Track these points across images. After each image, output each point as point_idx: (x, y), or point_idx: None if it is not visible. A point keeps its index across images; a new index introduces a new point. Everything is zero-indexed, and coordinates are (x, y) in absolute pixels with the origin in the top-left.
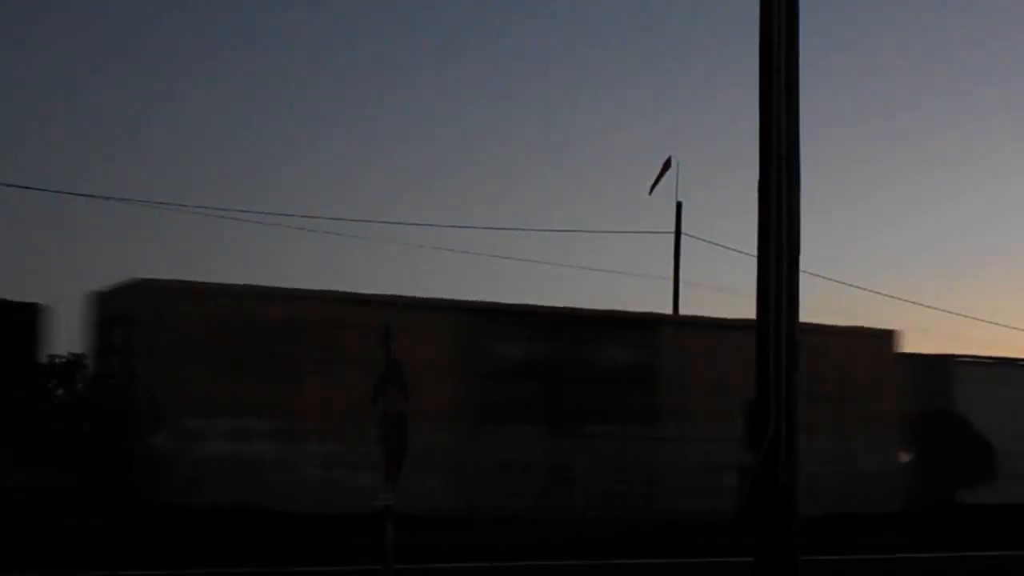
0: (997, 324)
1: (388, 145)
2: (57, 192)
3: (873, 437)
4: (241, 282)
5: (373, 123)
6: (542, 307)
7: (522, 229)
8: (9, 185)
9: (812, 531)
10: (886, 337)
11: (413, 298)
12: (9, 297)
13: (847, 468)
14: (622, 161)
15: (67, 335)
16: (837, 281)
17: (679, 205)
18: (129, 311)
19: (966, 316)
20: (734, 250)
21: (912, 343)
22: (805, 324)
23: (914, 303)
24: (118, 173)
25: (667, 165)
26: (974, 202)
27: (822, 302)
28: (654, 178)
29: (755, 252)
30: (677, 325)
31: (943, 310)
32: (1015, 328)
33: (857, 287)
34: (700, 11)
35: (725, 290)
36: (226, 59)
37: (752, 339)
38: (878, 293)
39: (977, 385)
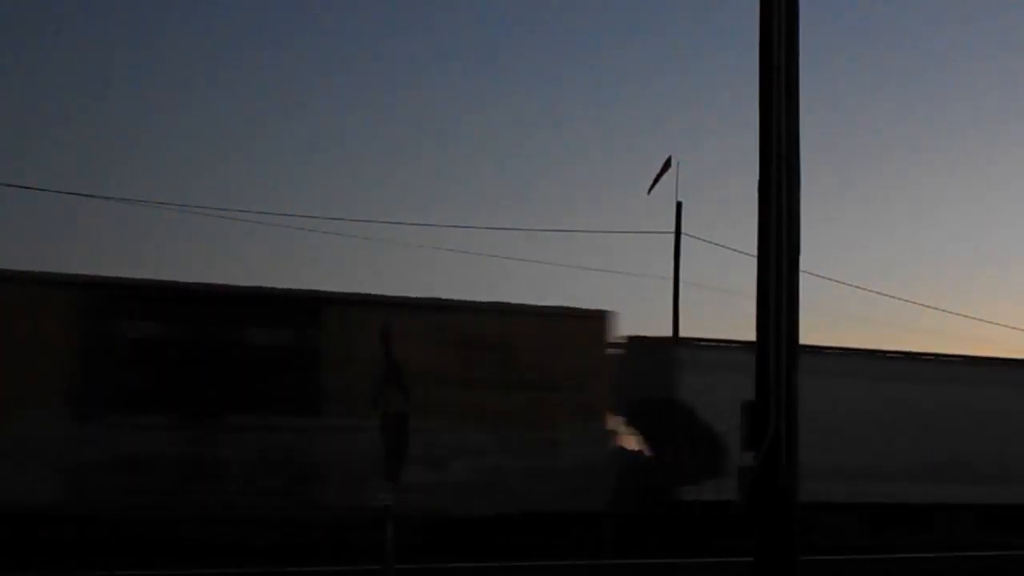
0: (997, 324)
1: (389, 146)
2: (57, 192)
3: (580, 428)
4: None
5: (374, 124)
6: (179, 283)
7: (522, 229)
8: (9, 185)
9: (498, 531)
10: (597, 319)
11: (14, 271)
12: None
13: (549, 462)
14: (622, 161)
15: None
16: (837, 281)
17: (679, 205)
18: None
19: (966, 316)
20: (734, 250)
21: (911, 343)
22: (502, 304)
23: (914, 303)
24: (118, 173)
25: (667, 165)
26: (975, 202)
27: (822, 302)
28: (653, 177)
29: (755, 252)
30: (344, 304)
31: (943, 310)
32: (1015, 328)
33: (857, 287)
34: (700, 11)
35: (725, 290)
36: (227, 59)
37: (451, 318)
38: (878, 293)
39: (706, 372)
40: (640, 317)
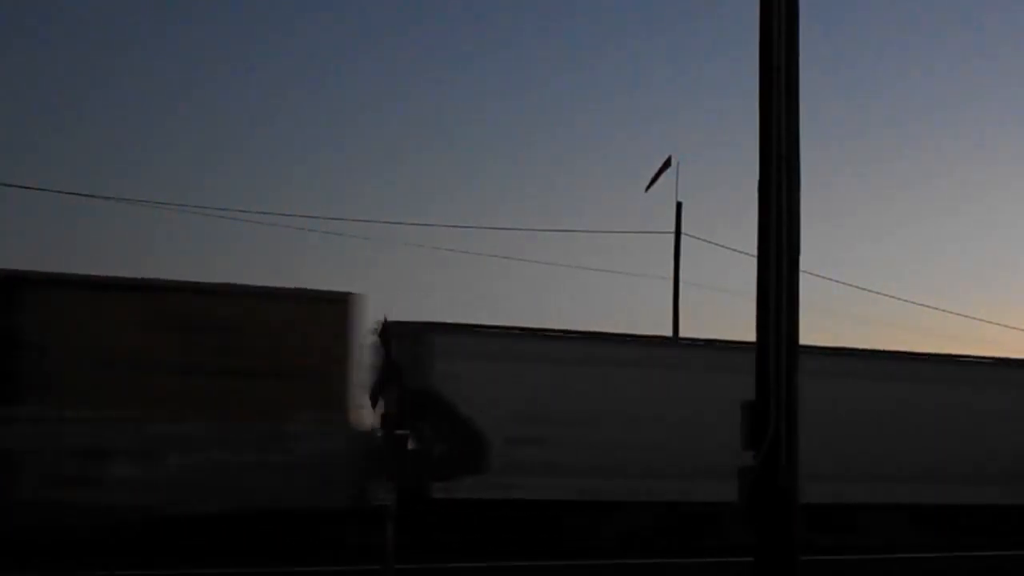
0: (998, 324)
1: (389, 146)
2: (58, 192)
3: (319, 419)
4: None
5: (374, 124)
6: None
7: (522, 229)
8: (9, 185)
9: (228, 529)
10: (340, 302)
11: None
12: None
13: (281, 455)
14: (622, 161)
15: None
16: (837, 281)
17: (679, 205)
18: None
19: (966, 316)
20: (734, 250)
21: (912, 343)
22: (229, 285)
23: (914, 303)
24: (119, 173)
25: (667, 164)
26: (975, 202)
27: (822, 302)
28: (652, 175)
29: (755, 252)
30: (45, 284)
31: (943, 310)
32: (1016, 328)
33: (856, 287)
34: (700, 12)
35: (725, 290)
36: (228, 60)
37: (171, 299)
38: (879, 293)
39: (467, 360)
40: (640, 317)
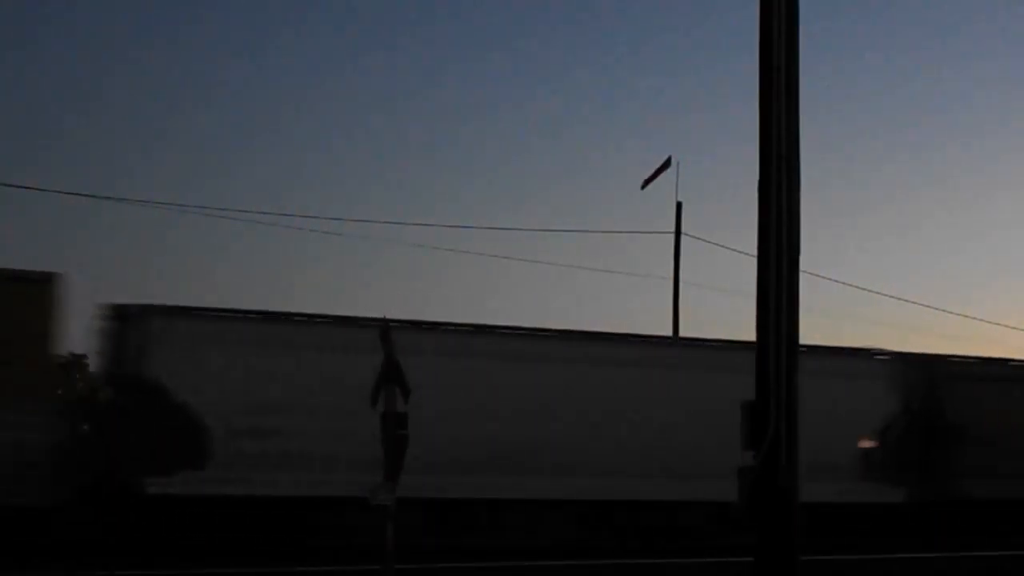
0: (998, 324)
1: (390, 147)
2: (58, 192)
3: (8, 407)
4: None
5: (375, 125)
6: None
7: (523, 229)
8: (9, 185)
9: None
10: (38, 283)
11: None
12: None
13: None
14: (623, 162)
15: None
16: (837, 281)
17: (679, 205)
18: None
19: (966, 316)
20: (734, 250)
21: (912, 344)
22: None
23: (915, 303)
24: (120, 173)
25: (666, 164)
26: (976, 202)
27: (822, 302)
28: (650, 173)
29: (755, 252)
30: None
31: (943, 310)
32: (1016, 328)
33: (856, 287)
34: (701, 12)
35: (725, 290)
36: (229, 61)
37: None
38: (879, 293)
39: (188, 345)
40: (640, 317)
